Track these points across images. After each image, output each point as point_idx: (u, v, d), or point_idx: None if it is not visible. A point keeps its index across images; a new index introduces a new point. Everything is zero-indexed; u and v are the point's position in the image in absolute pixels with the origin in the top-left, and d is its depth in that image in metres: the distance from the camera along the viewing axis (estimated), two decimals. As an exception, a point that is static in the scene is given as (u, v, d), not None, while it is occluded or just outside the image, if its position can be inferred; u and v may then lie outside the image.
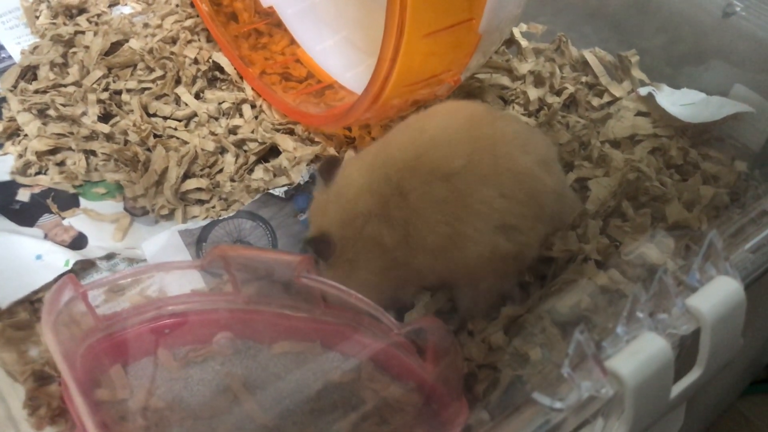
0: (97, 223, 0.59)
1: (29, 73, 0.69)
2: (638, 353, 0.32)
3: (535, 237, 0.49)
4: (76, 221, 0.59)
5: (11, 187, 0.61)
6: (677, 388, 0.35)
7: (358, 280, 0.49)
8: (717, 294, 0.34)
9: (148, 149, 0.62)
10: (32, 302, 0.52)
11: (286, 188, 0.60)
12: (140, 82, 0.68)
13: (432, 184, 0.47)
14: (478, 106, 0.55)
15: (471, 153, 0.47)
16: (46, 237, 0.58)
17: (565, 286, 0.47)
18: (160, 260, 0.56)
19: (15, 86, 0.68)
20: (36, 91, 0.67)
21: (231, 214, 0.59)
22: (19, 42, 0.73)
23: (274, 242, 0.58)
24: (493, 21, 0.50)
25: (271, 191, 0.60)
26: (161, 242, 0.57)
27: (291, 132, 0.66)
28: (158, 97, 0.68)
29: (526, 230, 0.48)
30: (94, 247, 0.57)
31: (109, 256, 0.56)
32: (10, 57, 0.72)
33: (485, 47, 0.53)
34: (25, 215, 0.59)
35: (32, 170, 0.62)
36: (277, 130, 0.66)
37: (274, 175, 0.62)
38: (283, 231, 0.59)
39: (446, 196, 0.47)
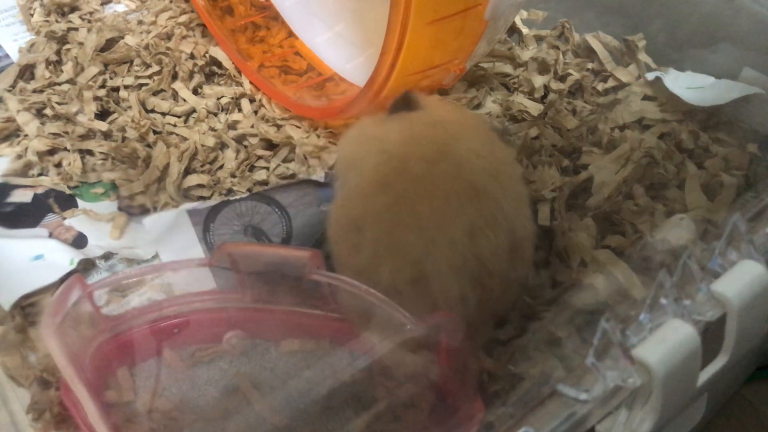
0: (95, 222, 0.58)
1: (27, 72, 0.68)
2: (665, 341, 0.31)
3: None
4: (76, 222, 0.57)
5: (2, 189, 0.59)
6: (704, 376, 0.34)
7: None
8: (743, 278, 0.34)
9: (148, 145, 0.61)
10: (23, 307, 0.50)
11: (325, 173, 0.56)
12: (137, 78, 0.67)
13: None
14: None
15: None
16: (50, 236, 0.56)
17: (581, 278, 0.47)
18: (163, 239, 0.54)
19: (13, 86, 0.66)
20: (34, 91, 0.66)
21: (245, 195, 0.56)
22: (16, 39, 0.72)
23: (289, 230, 0.55)
24: (499, 7, 0.50)
25: (308, 177, 0.57)
26: (166, 221, 0.55)
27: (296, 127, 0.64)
28: (155, 93, 0.66)
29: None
30: (94, 246, 0.56)
31: (107, 256, 0.55)
32: (7, 56, 0.71)
33: (491, 34, 0.53)
34: (29, 215, 0.58)
35: (35, 171, 0.61)
36: (280, 126, 0.64)
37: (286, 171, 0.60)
38: (300, 220, 0.55)
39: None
